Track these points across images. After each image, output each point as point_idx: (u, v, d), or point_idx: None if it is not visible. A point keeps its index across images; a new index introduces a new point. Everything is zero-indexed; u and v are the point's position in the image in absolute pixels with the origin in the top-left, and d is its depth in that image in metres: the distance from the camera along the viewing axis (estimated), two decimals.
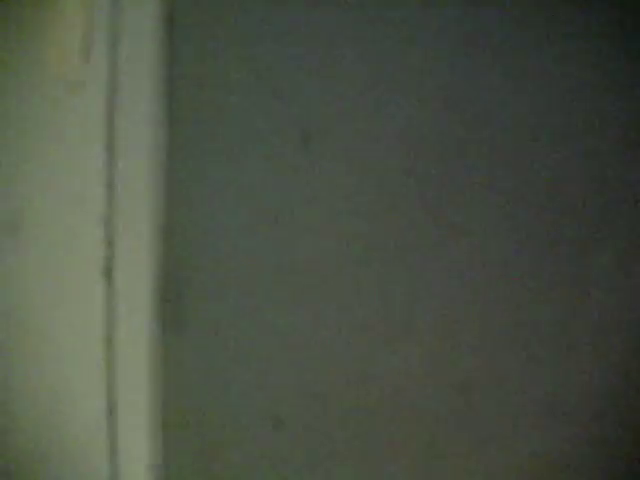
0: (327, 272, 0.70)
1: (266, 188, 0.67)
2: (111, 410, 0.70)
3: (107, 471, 0.70)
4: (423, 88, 0.72)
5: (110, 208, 0.69)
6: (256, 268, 0.68)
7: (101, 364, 0.70)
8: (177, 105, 0.65)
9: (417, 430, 0.74)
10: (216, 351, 0.67)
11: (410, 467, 0.74)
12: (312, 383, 0.70)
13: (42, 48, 0.79)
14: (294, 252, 0.68)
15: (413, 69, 0.71)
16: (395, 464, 0.74)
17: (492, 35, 0.74)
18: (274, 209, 0.68)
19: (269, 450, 0.69)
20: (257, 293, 0.68)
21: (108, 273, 0.69)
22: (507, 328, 0.77)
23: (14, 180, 0.87)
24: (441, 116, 0.73)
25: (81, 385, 0.75)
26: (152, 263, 0.66)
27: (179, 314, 0.66)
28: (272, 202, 0.67)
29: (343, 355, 0.71)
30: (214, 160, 0.66)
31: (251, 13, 0.64)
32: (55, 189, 0.79)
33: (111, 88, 0.68)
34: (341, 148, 0.69)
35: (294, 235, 0.68)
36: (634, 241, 0.83)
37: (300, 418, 0.70)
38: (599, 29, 0.78)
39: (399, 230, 0.72)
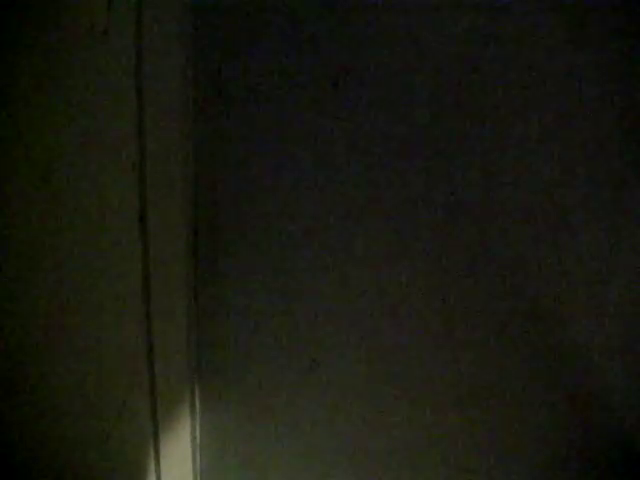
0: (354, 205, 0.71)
1: (298, 126, 0.67)
2: (150, 351, 0.71)
3: (148, 409, 0.72)
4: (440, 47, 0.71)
5: (142, 155, 0.69)
6: (289, 211, 0.68)
7: (139, 309, 0.71)
8: (205, 52, 0.64)
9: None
10: (252, 298, 0.68)
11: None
12: (344, 331, 0.72)
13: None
14: (326, 188, 0.69)
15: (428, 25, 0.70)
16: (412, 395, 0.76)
17: None
18: (304, 146, 0.68)
19: (305, 388, 0.71)
20: (290, 236, 0.68)
21: (143, 219, 0.70)
22: None
23: (44, 130, 0.87)
24: (462, 68, 0.72)
25: (121, 330, 0.76)
26: (184, 209, 0.66)
27: (214, 259, 0.67)
28: (303, 139, 0.68)
29: (367, 311, 0.73)
30: (245, 101, 0.66)
31: None
32: (85, 138, 0.79)
33: (136, 35, 0.68)
34: (364, 91, 0.69)
35: (325, 170, 0.69)
36: None
37: (333, 361, 0.71)
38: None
39: (419, 156, 0.72)
